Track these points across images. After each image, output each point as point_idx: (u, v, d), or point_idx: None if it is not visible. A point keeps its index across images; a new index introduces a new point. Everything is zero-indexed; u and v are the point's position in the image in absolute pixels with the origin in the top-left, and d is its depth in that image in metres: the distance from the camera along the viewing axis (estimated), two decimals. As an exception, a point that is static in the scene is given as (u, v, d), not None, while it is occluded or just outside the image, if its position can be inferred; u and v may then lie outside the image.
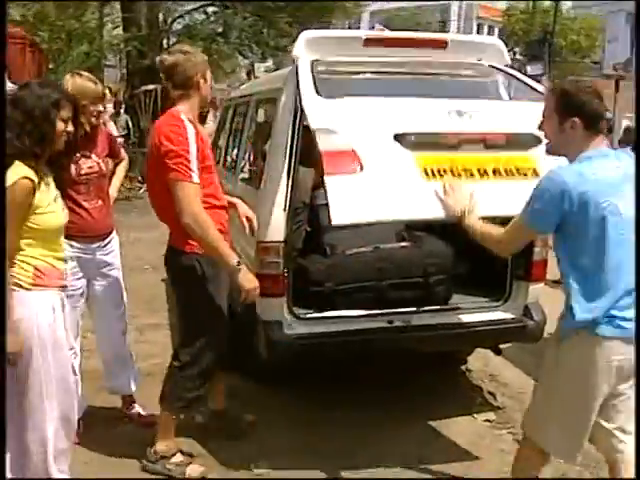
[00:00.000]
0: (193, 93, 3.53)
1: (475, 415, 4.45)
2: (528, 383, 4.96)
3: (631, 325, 2.77)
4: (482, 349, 5.00)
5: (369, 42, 4.16)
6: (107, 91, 25.06)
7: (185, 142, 3.33)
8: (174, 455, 3.70)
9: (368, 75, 4.30)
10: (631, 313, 2.77)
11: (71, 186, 3.64)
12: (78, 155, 3.73)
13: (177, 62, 3.49)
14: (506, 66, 4.37)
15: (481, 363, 5.24)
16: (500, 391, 4.84)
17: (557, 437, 2.94)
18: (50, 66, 18.35)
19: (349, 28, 44.14)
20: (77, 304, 3.85)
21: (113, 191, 4.19)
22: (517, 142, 3.66)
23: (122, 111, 15.27)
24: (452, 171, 3.46)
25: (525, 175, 3.53)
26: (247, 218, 3.85)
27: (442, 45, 4.26)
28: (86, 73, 3.87)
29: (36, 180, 2.85)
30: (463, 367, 5.20)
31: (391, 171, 3.44)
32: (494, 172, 3.52)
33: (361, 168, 3.35)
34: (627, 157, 2.90)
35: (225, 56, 18.18)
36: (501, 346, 4.70)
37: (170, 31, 17.87)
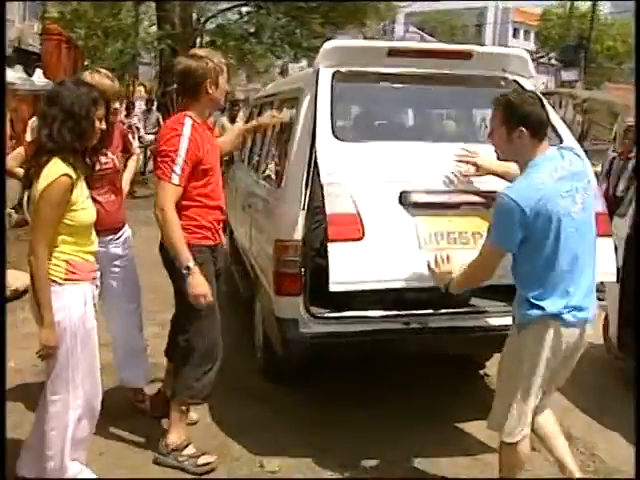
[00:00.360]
0: (202, 98, 3.63)
1: (491, 419, 4.41)
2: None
3: (584, 314, 3.10)
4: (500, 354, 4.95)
5: (393, 53, 4.18)
6: (141, 88, 25.34)
7: (176, 144, 3.49)
8: (186, 447, 3.74)
9: (388, 89, 4.35)
10: (587, 302, 3.10)
11: (86, 181, 3.69)
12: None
13: (188, 68, 3.60)
14: (530, 77, 4.32)
15: (490, 363, 5.19)
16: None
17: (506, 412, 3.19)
18: (85, 63, 18.61)
19: (383, 30, 44.07)
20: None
21: (125, 184, 4.28)
22: None
23: (154, 108, 15.38)
24: (449, 235, 3.81)
25: None
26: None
27: (467, 56, 4.26)
28: (104, 70, 3.95)
29: (74, 177, 2.95)
30: (481, 371, 5.17)
31: (390, 237, 3.73)
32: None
33: (363, 234, 3.66)
34: (572, 155, 3.14)
35: (258, 56, 18.26)
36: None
37: (203, 30, 17.98)
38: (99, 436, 3.83)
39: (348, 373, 4.74)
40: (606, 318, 5.23)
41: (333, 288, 3.58)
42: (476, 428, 4.26)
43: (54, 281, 2.98)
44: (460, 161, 3.88)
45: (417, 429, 4.19)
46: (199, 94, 3.62)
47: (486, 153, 3.63)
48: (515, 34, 59.13)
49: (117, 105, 3.92)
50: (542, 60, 46.56)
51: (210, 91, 3.62)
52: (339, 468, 3.78)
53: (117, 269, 4.05)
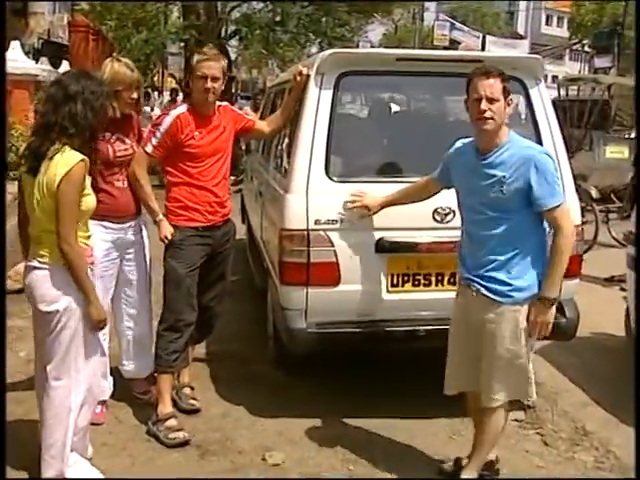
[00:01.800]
0: (193, 91, 3.96)
1: (504, 413, 4.32)
2: (562, 383, 4.84)
3: None
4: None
5: (402, 60, 4.09)
6: (171, 79, 25.45)
7: (161, 121, 3.93)
8: (167, 420, 3.88)
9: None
10: None
11: (106, 167, 3.79)
12: (114, 138, 3.86)
13: (190, 63, 3.89)
14: (539, 82, 4.18)
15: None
16: (532, 390, 4.68)
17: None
18: (115, 54, 18.69)
19: (413, 18, 43.78)
20: (110, 285, 3.95)
21: None
22: None
23: (179, 99, 15.39)
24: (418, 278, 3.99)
25: None
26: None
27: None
28: (125, 59, 3.95)
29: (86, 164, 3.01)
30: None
31: (362, 281, 3.93)
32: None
33: (339, 281, 3.88)
34: None
35: (283, 45, 18.17)
36: (538, 344, 4.54)
37: (228, 19, 17.93)
38: (100, 427, 3.84)
39: (361, 363, 4.66)
40: (627, 309, 5.10)
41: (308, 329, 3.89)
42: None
43: (59, 265, 3.03)
44: (351, 208, 3.86)
45: (427, 423, 4.10)
46: (191, 87, 3.99)
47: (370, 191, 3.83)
48: (548, 21, 58.25)
49: (135, 95, 3.88)
50: (575, 47, 45.85)
51: (192, 86, 3.95)
52: (344, 462, 3.71)
53: (130, 255, 4.04)
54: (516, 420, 4.24)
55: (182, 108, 3.99)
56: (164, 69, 32.69)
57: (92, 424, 3.87)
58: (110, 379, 4.06)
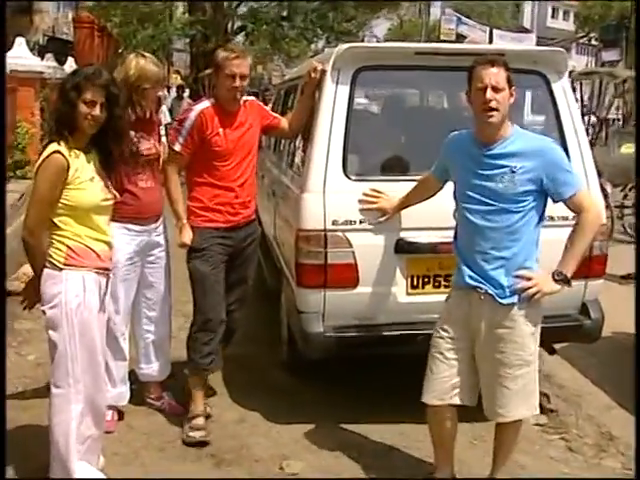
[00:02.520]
0: (219, 89, 3.85)
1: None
2: (585, 385, 4.72)
3: None
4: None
5: (421, 54, 3.96)
6: (176, 75, 25.42)
7: (186, 116, 3.85)
8: (195, 418, 3.84)
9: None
10: None
11: (131, 167, 3.72)
12: (138, 136, 3.76)
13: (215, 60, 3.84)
14: (562, 76, 4.04)
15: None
16: (554, 393, 4.57)
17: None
18: (120, 50, 18.60)
19: (419, 12, 43.53)
20: (131, 289, 3.88)
21: None
22: None
23: (185, 95, 15.28)
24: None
25: None
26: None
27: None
28: (150, 55, 3.83)
29: (68, 156, 2.93)
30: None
31: (381, 283, 3.80)
32: None
33: (357, 283, 3.76)
34: None
35: (290, 40, 18.02)
36: (558, 345, 4.43)
37: (234, 15, 17.79)
38: (111, 436, 3.74)
39: (377, 365, 4.54)
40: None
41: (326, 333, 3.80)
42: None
43: (53, 265, 2.98)
44: (364, 209, 3.74)
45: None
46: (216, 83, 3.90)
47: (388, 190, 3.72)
48: (554, 14, 57.91)
49: (160, 92, 3.77)
50: (582, 41, 45.57)
51: (218, 83, 3.83)
52: (366, 470, 3.59)
53: (152, 258, 3.96)
54: (539, 424, 4.14)
55: (205, 104, 3.88)
56: (169, 65, 32.57)
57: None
58: (128, 383, 3.99)
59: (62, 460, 3.04)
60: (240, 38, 19.10)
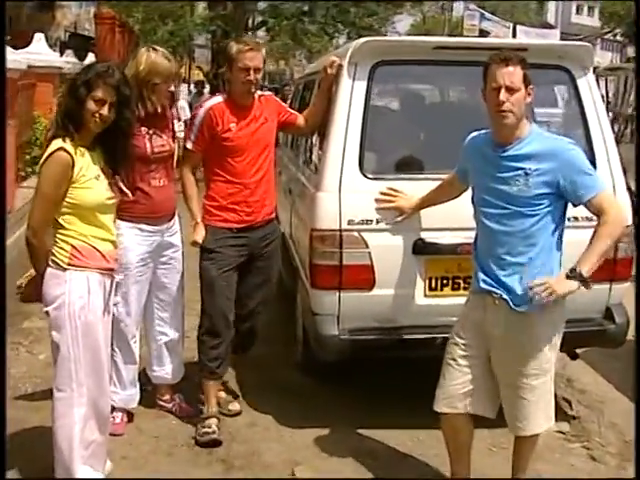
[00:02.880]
0: (233, 82, 3.78)
1: (546, 424, 4.06)
2: (608, 391, 4.58)
3: None
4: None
5: (441, 48, 3.82)
6: (198, 71, 25.42)
7: (197, 113, 3.81)
8: (208, 419, 3.78)
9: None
10: None
11: (143, 164, 3.63)
12: (150, 133, 3.67)
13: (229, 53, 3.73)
14: (587, 71, 3.90)
15: (558, 365, 4.74)
16: (576, 399, 4.43)
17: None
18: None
19: (442, 8, 43.24)
20: (143, 291, 3.80)
21: None
22: None
23: (205, 91, 15.23)
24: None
25: None
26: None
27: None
28: (161, 49, 3.72)
29: (73, 154, 2.84)
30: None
31: (398, 285, 3.68)
32: None
33: (373, 285, 3.65)
34: None
35: (311, 35, 17.89)
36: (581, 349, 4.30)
37: (255, 10, 17.70)
38: (121, 438, 3.67)
39: (393, 368, 4.43)
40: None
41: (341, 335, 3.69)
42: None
43: (57, 264, 2.90)
44: (381, 208, 3.62)
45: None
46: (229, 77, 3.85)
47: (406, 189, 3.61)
48: (578, 10, 57.26)
49: (172, 88, 3.67)
50: (607, 37, 45.01)
51: (231, 76, 3.77)
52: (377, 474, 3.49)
53: (165, 258, 3.86)
54: (560, 432, 4.00)
55: (217, 99, 3.85)
56: (191, 61, 32.58)
57: (111, 434, 3.72)
58: (138, 385, 3.91)
59: (65, 465, 2.98)
60: (261, 33, 19.04)
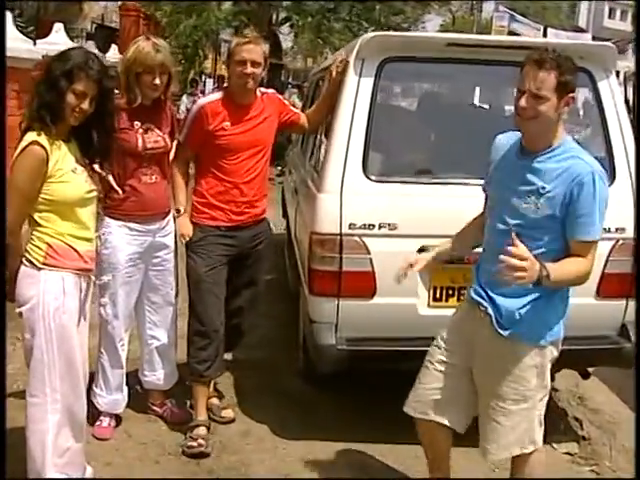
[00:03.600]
0: (231, 77, 3.67)
1: (555, 445, 3.86)
2: (622, 411, 4.36)
3: None
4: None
5: (454, 45, 3.63)
6: (225, 66, 25.60)
7: (192, 109, 3.72)
8: (196, 427, 3.65)
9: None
10: None
11: (133, 160, 3.49)
12: (143, 127, 3.51)
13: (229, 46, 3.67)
14: (609, 74, 3.69)
15: (570, 382, 4.59)
16: (587, 418, 4.22)
17: None
18: (166, 39, 18.50)
19: (471, 9, 42.83)
20: (134, 291, 3.66)
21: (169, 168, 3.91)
22: None
23: (225, 85, 15.12)
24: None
25: None
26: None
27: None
28: (156, 39, 3.54)
29: (47, 147, 2.69)
30: (549, 385, 4.59)
31: (400, 294, 3.41)
32: None
33: (374, 293, 3.48)
34: None
35: (335, 32, 17.68)
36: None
37: (279, 6, 17.55)
38: (107, 443, 3.52)
39: (404, 381, 4.24)
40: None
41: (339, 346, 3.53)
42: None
43: (31, 263, 2.76)
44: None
45: (466, 451, 3.65)
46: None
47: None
48: (611, 14, 56.49)
49: (158, 80, 3.45)
50: None
51: (230, 71, 3.64)
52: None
53: (158, 259, 3.72)
54: (568, 454, 3.82)
55: (212, 96, 3.72)
56: (217, 56, 32.50)
57: (98, 439, 3.60)
58: (125, 390, 3.76)
59: (38, 473, 2.84)
60: (285, 30, 18.91)
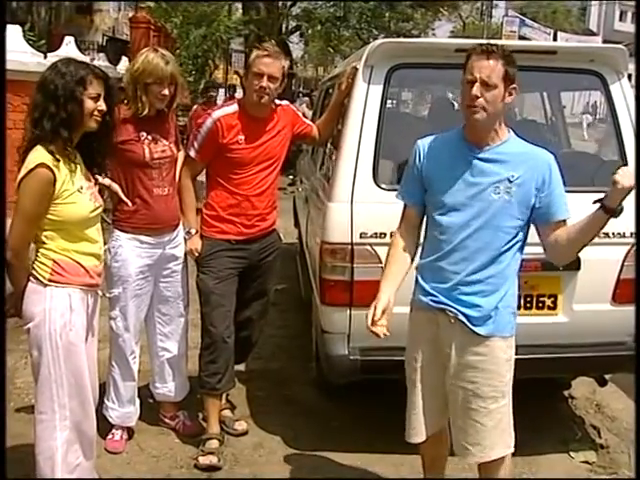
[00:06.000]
0: (247, 89, 3.62)
1: (572, 454, 3.80)
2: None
3: None
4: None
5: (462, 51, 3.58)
6: (237, 75, 25.48)
7: (203, 123, 3.60)
8: (208, 440, 3.64)
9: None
10: None
11: (143, 171, 3.46)
12: (149, 138, 3.48)
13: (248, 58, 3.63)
14: (622, 76, 3.65)
15: (588, 389, 4.52)
16: (605, 426, 4.15)
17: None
18: (177, 51, 18.56)
19: (481, 14, 42.84)
20: (143, 305, 3.64)
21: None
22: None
23: (237, 95, 15.15)
24: None
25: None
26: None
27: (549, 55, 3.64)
28: (162, 50, 3.54)
29: (54, 168, 2.64)
30: (566, 392, 4.52)
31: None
32: None
33: None
34: None
35: (344, 40, 17.72)
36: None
37: (289, 15, 17.59)
38: (119, 457, 3.50)
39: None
40: None
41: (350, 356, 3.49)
42: (553, 464, 3.67)
43: (38, 279, 2.73)
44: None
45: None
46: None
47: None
48: (622, 17, 56.28)
49: (166, 91, 3.44)
50: (651, 44, 44.11)
51: (247, 83, 3.58)
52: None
53: (168, 271, 3.69)
54: (586, 462, 3.75)
55: (228, 109, 3.62)
56: (228, 66, 32.62)
57: (110, 452, 3.58)
58: (137, 402, 3.74)
59: None
60: (295, 38, 18.96)
